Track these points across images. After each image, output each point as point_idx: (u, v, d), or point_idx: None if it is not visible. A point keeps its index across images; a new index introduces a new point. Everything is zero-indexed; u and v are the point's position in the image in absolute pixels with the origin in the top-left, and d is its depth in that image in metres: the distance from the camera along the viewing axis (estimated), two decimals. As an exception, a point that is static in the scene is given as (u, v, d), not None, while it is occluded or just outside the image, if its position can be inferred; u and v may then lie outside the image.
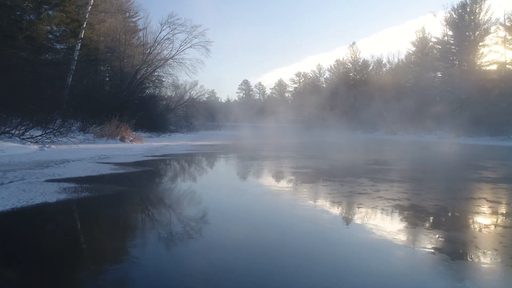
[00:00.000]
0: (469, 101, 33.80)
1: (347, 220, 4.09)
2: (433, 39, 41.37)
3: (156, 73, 34.66)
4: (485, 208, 4.61)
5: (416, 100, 37.94)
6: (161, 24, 31.68)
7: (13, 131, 13.15)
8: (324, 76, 65.16)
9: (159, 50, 32.70)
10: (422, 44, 42.68)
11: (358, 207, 4.57)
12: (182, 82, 54.09)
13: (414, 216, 4.19)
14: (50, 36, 26.27)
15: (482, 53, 37.03)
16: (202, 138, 25.78)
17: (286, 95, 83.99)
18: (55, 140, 13.85)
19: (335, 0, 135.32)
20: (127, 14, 33.53)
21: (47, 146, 12.23)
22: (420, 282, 2.38)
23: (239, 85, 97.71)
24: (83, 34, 23.41)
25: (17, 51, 22.81)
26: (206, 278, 2.36)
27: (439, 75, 42.34)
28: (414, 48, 43.77)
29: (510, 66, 35.94)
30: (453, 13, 37.49)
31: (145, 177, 6.82)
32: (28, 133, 13.87)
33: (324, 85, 63.77)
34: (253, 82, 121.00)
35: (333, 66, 59.44)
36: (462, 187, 6.70)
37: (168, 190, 5.77)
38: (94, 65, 28.07)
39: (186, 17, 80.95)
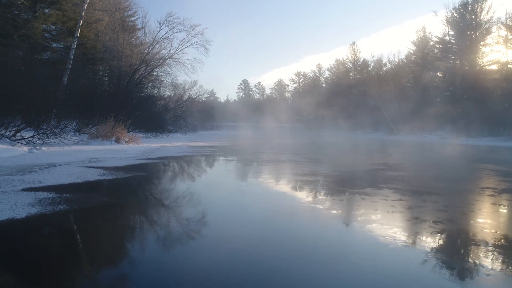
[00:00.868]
0: (471, 101, 33.23)
1: (405, 269, 2.82)
2: (434, 38, 40.82)
3: (154, 73, 34.07)
4: None
5: (417, 100, 37.39)
6: (159, 23, 31.23)
7: (2, 132, 12.57)
8: (324, 76, 64.54)
9: (158, 50, 32.13)
10: (423, 44, 42.12)
11: (403, 241, 3.33)
12: (181, 82, 53.55)
13: (477, 251, 3.12)
14: (46, 35, 25.71)
15: (484, 52, 36.50)
16: (201, 139, 25.19)
17: (286, 95, 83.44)
18: (48, 142, 13.25)
19: (335, 0, 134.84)
20: (125, 13, 32.99)
21: (37, 148, 11.64)
22: None
23: (239, 85, 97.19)
24: (79, 32, 22.82)
25: (13, 49, 22.26)
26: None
27: (439, 74, 41.79)
28: (415, 48, 43.20)
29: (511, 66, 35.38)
30: (454, 12, 36.94)
31: (134, 184, 6.20)
32: (19, 134, 13.30)
33: (324, 85, 63.22)
34: (252, 82, 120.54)
35: (333, 66, 58.84)
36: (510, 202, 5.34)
37: (157, 203, 4.95)
38: (91, 65, 27.47)
39: (185, 16, 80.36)
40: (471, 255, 3.08)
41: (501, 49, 35.81)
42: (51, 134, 14.22)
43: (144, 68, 31.26)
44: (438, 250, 3.18)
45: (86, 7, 23.85)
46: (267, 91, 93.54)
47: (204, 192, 5.71)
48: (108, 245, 3.19)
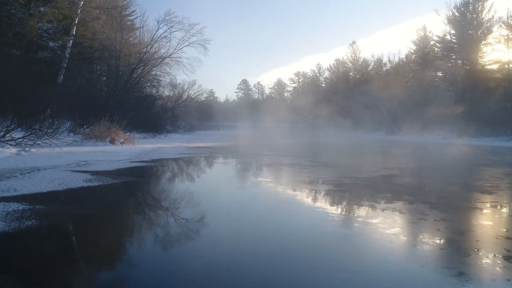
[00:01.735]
0: (472, 100, 32.67)
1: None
2: (435, 38, 40.23)
3: (153, 72, 33.49)
4: None
5: (417, 99, 36.82)
6: (158, 22, 30.57)
7: (-10, 133, 11.98)
8: (324, 76, 63.93)
9: (156, 49, 31.55)
10: (424, 43, 41.56)
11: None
12: (180, 82, 52.96)
13: None
14: (42, 34, 25.12)
15: (485, 52, 35.96)
16: (199, 139, 24.61)
17: (285, 95, 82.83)
18: (39, 143, 12.66)
19: (334, 0, 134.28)
20: (124, 12, 32.39)
21: (27, 149, 11.03)
22: None
23: (238, 85, 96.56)
24: (75, 31, 22.23)
25: (8, 48, 21.68)
26: None
27: (440, 74, 41.23)
28: (415, 47, 42.63)
29: (513, 65, 34.83)
30: (455, 11, 36.36)
31: (120, 193, 5.54)
32: (9, 135, 12.69)
33: (324, 85, 62.65)
34: (252, 82, 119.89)
35: (332, 66, 58.23)
36: None
37: (141, 218, 4.24)
38: (88, 64, 26.86)
39: (184, 15, 79.73)
40: None
41: (502, 48, 35.28)
42: (43, 134, 13.63)
43: (142, 67, 30.68)
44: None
45: (83, 5, 23.28)
46: (267, 91, 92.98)
47: (195, 204, 5.03)
48: (70, 275, 2.57)
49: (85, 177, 6.38)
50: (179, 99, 37.00)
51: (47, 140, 13.00)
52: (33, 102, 14.22)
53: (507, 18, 33.89)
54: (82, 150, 11.63)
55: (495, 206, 5.09)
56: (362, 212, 4.49)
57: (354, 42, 53.59)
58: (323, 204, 4.96)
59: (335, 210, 4.63)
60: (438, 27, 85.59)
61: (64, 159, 8.87)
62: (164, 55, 31.68)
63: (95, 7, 25.27)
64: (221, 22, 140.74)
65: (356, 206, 4.85)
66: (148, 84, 35.68)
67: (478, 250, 3.09)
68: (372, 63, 49.72)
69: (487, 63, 36.24)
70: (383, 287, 2.30)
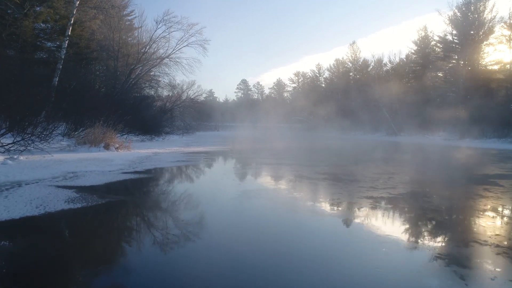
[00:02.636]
0: (474, 101, 32.05)
1: None
2: (436, 38, 39.59)
3: (152, 73, 32.84)
4: None
5: (418, 100, 36.19)
6: (156, 22, 29.94)
7: (-23, 139, 11.31)
8: (324, 76, 63.25)
9: (155, 49, 30.94)
10: (424, 43, 40.91)
11: None
12: (179, 82, 52.31)
13: None
14: (40, 34, 24.48)
15: (487, 52, 35.36)
16: (198, 142, 23.95)
17: (285, 95, 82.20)
18: (31, 148, 11.98)
19: (333, 0, 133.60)
20: (122, 12, 31.70)
21: (15, 157, 10.35)
22: None
23: (238, 85, 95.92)
24: (70, 31, 21.55)
25: (2, 49, 21.02)
26: None
27: (441, 74, 40.62)
28: (416, 47, 41.99)
29: (516, 66, 34.24)
30: (457, 11, 35.73)
31: (103, 221, 4.76)
32: (-2, 141, 12.03)
33: (323, 85, 61.99)
34: (251, 82, 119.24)
35: (332, 66, 57.56)
36: None
37: (123, 260, 3.47)
38: (85, 65, 26.17)
39: (183, 15, 79.11)
40: None
41: (504, 49, 34.70)
42: (36, 139, 12.97)
43: (140, 68, 30.03)
44: None
45: (80, 5, 22.60)
46: (266, 91, 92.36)
47: (189, 239, 4.38)
48: None
49: (69, 195, 5.71)
50: (178, 99, 36.33)
51: (40, 145, 12.32)
52: (27, 105, 13.53)
53: (509, 18, 33.28)
54: (74, 157, 10.96)
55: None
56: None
57: (354, 42, 52.95)
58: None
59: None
60: (438, 27, 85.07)
61: (51, 170, 8.21)
62: (163, 55, 31.06)
63: (92, 7, 24.59)
64: (220, 22, 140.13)
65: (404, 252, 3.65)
66: (147, 84, 35.01)
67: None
68: (373, 63, 49.10)
69: (489, 63, 35.67)
70: None
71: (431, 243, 3.87)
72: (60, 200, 5.33)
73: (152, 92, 35.38)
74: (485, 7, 34.69)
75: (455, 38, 36.40)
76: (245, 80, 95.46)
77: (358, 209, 5.40)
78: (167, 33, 29.76)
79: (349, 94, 45.53)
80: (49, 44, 25.17)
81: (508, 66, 34.13)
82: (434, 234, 4.36)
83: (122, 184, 7.10)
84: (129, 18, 35.09)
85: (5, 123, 13.03)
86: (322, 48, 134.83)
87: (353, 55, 52.32)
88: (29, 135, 12.88)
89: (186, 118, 37.63)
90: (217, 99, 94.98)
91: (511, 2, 49.27)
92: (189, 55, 41.92)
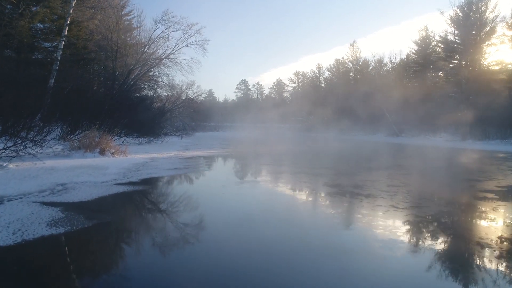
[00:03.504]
0: (477, 102, 31.52)
1: None
2: (437, 38, 39.02)
3: (150, 73, 32.24)
4: None
5: (419, 101, 35.67)
6: (155, 22, 29.29)
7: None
8: (324, 76, 62.63)
9: (154, 49, 30.32)
10: (425, 43, 40.33)
11: None
12: (178, 82, 51.73)
13: None
14: (37, 34, 23.92)
15: (489, 52, 34.83)
16: (197, 144, 23.36)
17: (285, 95, 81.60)
18: (23, 154, 11.38)
19: (332, 0, 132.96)
20: (121, 12, 31.08)
21: (4, 165, 9.77)
22: None
23: (237, 85, 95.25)
24: (67, 31, 20.93)
25: (-3, 49, 20.47)
26: None
27: (441, 74, 40.10)
28: (417, 47, 41.41)
29: (518, 66, 33.73)
30: (458, 11, 35.17)
31: (86, 252, 4.19)
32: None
33: (323, 85, 61.40)
34: (251, 82, 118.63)
35: (332, 66, 56.96)
36: None
37: None
38: (82, 65, 25.56)
39: (182, 15, 78.50)
40: None
41: (506, 49, 34.18)
42: (29, 143, 12.37)
43: (139, 68, 29.41)
44: None
45: (77, 5, 21.99)
46: (266, 91, 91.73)
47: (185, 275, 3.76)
48: None
49: (53, 215, 5.12)
50: (177, 100, 35.72)
51: (32, 151, 11.71)
52: (21, 107, 12.91)
53: (511, 17, 32.75)
54: (67, 164, 10.36)
55: None
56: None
57: (354, 42, 52.36)
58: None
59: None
60: (438, 27, 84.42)
61: (40, 181, 7.61)
62: (162, 55, 30.45)
63: (90, 7, 23.97)
64: (220, 21, 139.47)
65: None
66: (145, 85, 34.37)
67: None
68: (373, 63, 48.52)
69: (491, 64, 35.15)
70: None
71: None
72: (42, 223, 4.73)
73: (151, 93, 34.81)
74: (487, 7, 34.14)
75: (457, 38, 35.85)
76: (245, 80, 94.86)
77: (389, 246, 4.11)
78: (166, 33, 29.16)
79: (349, 95, 44.95)
80: (46, 44, 24.61)
81: (510, 66, 33.60)
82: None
83: (113, 199, 6.49)
84: (128, 18, 34.47)
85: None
86: (321, 48, 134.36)
87: (353, 55, 51.74)
88: (22, 140, 12.30)
89: (185, 119, 37.02)
90: (217, 99, 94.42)
91: None
92: (188, 55, 41.46)
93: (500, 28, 33.75)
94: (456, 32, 35.75)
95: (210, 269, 3.48)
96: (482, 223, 5.51)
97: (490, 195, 7.46)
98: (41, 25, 23.93)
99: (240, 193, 7.62)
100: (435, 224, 5.39)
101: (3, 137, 12.33)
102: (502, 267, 3.65)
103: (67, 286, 3.23)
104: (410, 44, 53.64)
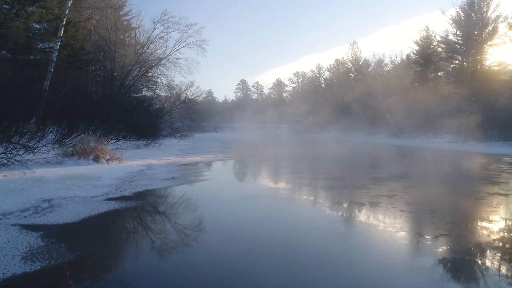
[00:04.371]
0: (479, 103, 30.93)
1: None
2: (438, 38, 38.39)
3: (149, 74, 31.62)
4: None
5: (420, 101, 35.07)
6: (154, 22, 28.74)
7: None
8: (324, 76, 61.97)
9: (153, 50, 29.73)
10: (426, 44, 39.71)
11: None
12: (177, 83, 51.06)
13: None
14: (34, 34, 23.29)
15: (491, 53, 34.25)
16: (196, 148, 22.74)
17: (284, 95, 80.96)
18: (14, 161, 10.78)
19: (332, 0, 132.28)
20: (120, 12, 30.44)
21: (-9, 174, 9.18)
22: None
23: (237, 85, 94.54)
24: (63, 32, 20.30)
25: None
26: None
27: (444, 75, 39.50)
28: (418, 48, 40.79)
29: (521, 67, 33.15)
30: (460, 11, 34.56)
31: None
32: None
33: (323, 85, 60.78)
34: (250, 82, 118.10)
35: (332, 66, 56.34)
36: None
37: None
38: (79, 67, 24.90)
39: (181, 15, 77.79)
40: None
41: (508, 49, 33.62)
42: (22, 149, 11.77)
43: (138, 69, 28.80)
44: None
45: (74, 5, 21.35)
46: (266, 91, 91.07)
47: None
48: None
49: (31, 243, 4.51)
50: (176, 100, 35.13)
51: (25, 157, 11.09)
52: (14, 111, 12.27)
53: (514, 18, 32.14)
54: (58, 173, 9.75)
55: None
56: None
57: (354, 42, 51.68)
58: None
59: None
60: (439, 27, 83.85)
61: (25, 197, 7.00)
62: (160, 56, 29.86)
63: (87, 7, 23.32)
64: (219, 21, 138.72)
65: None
66: (144, 86, 33.76)
67: None
68: (373, 64, 47.89)
69: (493, 64, 34.59)
70: None
71: None
72: (17, 256, 4.12)
73: (150, 93, 34.20)
74: (488, 7, 33.55)
75: (459, 38, 35.24)
76: (244, 80, 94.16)
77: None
78: (165, 34, 28.58)
79: (350, 95, 44.35)
80: (42, 45, 23.99)
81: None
82: None
83: (101, 221, 5.87)
84: (127, 18, 33.83)
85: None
86: (321, 48, 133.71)
87: (353, 55, 51.11)
88: (14, 146, 11.69)
89: (184, 120, 36.44)
90: (216, 99, 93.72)
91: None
92: (187, 56, 40.84)
93: (502, 28, 33.18)
94: (457, 32, 35.15)
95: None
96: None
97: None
98: (38, 26, 23.32)
99: (248, 215, 6.68)
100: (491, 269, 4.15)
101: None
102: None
103: None
104: (410, 44, 53.01)
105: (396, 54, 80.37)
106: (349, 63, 52.32)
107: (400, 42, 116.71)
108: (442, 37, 37.14)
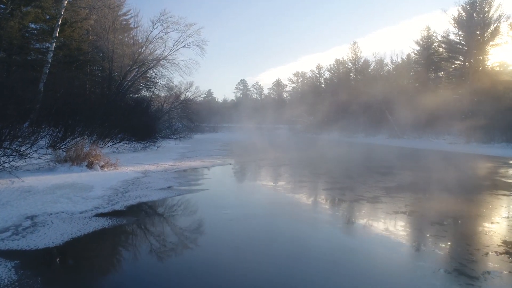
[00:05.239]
0: (481, 104, 30.33)
1: None
2: (439, 38, 37.78)
3: (148, 74, 30.98)
4: None
5: (421, 102, 34.48)
6: (152, 22, 28.09)
7: None
8: (324, 76, 61.31)
9: (152, 50, 29.09)
10: (427, 44, 39.11)
11: None
12: (176, 83, 50.42)
13: None
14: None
15: (492, 53, 33.67)
16: (195, 151, 22.09)
17: (284, 95, 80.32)
18: (2, 167, 10.16)
19: (331, 0, 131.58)
20: (119, 12, 29.77)
21: (-24, 185, 8.55)
22: None
23: (236, 85, 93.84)
24: (59, 32, 19.66)
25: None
26: None
27: (441, 74, 38.92)
28: (419, 48, 40.17)
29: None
30: (461, 11, 33.96)
31: None
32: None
33: (323, 85, 60.14)
34: (250, 82, 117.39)
35: (332, 66, 55.70)
36: None
37: None
38: (76, 67, 24.25)
39: (180, 15, 77.09)
40: None
41: (510, 49, 33.05)
42: (13, 154, 11.14)
43: (136, 69, 28.16)
44: None
45: (70, 4, 20.70)
46: (265, 91, 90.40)
47: None
48: None
49: (2, 278, 3.89)
50: (175, 101, 34.49)
51: (15, 164, 10.46)
52: (6, 114, 11.62)
53: (516, 17, 31.58)
54: (48, 182, 9.11)
55: None
56: None
57: (355, 43, 51.04)
58: None
59: None
60: (439, 27, 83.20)
61: (7, 212, 6.36)
62: (159, 56, 29.23)
63: (84, 7, 22.67)
64: (218, 21, 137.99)
65: None
66: (143, 85, 33.10)
67: None
68: (373, 64, 47.26)
69: (495, 64, 34.03)
70: None
71: None
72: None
73: (149, 94, 33.56)
74: (490, 7, 32.96)
75: (460, 38, 34.64)
76: (244, 80, 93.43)
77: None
78: (164, 34, 27.96)
79: (350, 95, 43.72)
80: (38, 45, 23.36)
81: (514, 67, 32.47)
82: None
83: (87, 244, 5.21)
84: (126, 18, 33.18)
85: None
86: (321, 48, 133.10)
87: (353, 55, 50.47)
88: (4, 151, 11.06)
89: (183, 120, 35.80)
90: (216, 99, 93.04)
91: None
92: (186, 56, 40.14)
93: (504, 28, 32.62)
94: (459, 32, 34.56)
95: None
96: None
97: None
98: (34, 26, 22.68)
99: (257, 236, 5.75)
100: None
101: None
102: None
103: None
104: (411, 44, 52.36)
105: (397, 54, 79.69)
106: (349, 63, 51.71)
107: (400, 42, 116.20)
108: (443, 37, 36.57)
